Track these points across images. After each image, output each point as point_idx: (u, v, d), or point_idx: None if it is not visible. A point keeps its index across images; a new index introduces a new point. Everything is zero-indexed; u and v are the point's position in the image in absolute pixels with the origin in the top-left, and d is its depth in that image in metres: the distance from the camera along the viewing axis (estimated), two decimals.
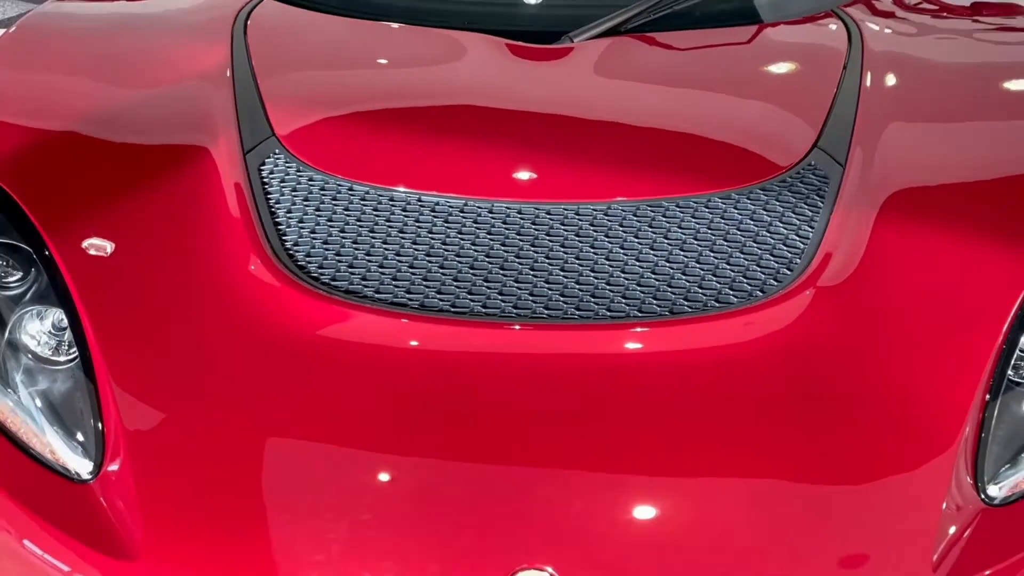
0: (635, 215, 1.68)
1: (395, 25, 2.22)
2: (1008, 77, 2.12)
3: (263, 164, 1.77)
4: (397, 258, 1.61)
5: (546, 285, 1.57)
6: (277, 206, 1.70)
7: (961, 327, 1.51)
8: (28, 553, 1.40)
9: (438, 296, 1.55)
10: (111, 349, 1.50)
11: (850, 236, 1.63)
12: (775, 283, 1.57)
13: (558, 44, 2.12)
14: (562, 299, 1.54)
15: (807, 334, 1.51)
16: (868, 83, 1.97)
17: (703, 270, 1.59)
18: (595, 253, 1.61)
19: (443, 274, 1.58)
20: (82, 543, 1.37)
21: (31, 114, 1.90)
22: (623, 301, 1.54)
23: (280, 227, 1.66)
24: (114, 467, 1.41)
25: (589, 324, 1.51)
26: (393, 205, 1.70)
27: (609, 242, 1.63)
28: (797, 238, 1.64)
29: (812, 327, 1.52)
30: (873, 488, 1.37)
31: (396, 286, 1.56)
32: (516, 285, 1.57)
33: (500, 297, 1.55)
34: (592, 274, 1.58)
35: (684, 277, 1.58)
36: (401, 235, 1.64)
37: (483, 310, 1.53)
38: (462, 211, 1.68)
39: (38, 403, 1.50)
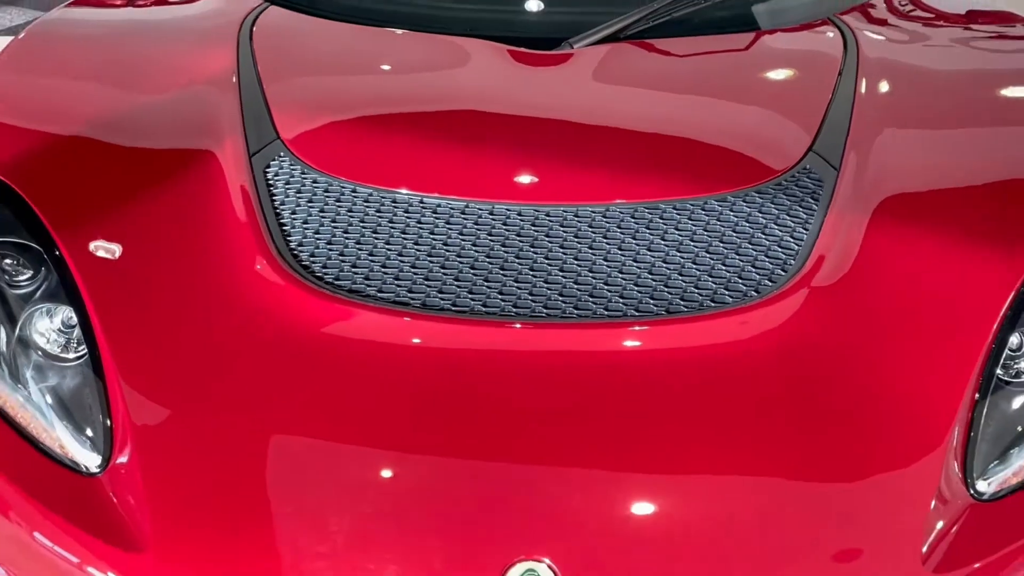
0: (633, 217, 1.71)
1: (398, 31, 2.25)
2: (1001, 84, 2.15)
3: (268, 166, 1.81)
4: (399, 258, 1.64)
5: (545, 285, 1.60)
6: (282, 207, 1.73)
7: (952, 327, 1.55)
8: (38, 545, 1.43)
9: (439, 295, 1.58)
10: (120, 346, 1.53)
11: (843, 238, 1.67)
12: (770, 284, 1.60)
13: (558, 50, 2.15)
14: (561, 298, 1.58)
15: (801, 334, 1.54)
16: (863, 89, 2.00)
17: (699, 271, 1.62)
18: (593, 254, 1.65)
19: (444, 274, 1.61)
20: (91, 535, 1.40)
21: (40, 118, 1.93)
22: (620, 301, 1.57)
23: (285, 228, 1.70)
24: (122, 461, 1.44)
25: (587, 323, 1.54)
26: (396, 207, 1.73)
27: (607, 243, 1.66)
28: (792, 240, 1.68)
29: (806, 327, 1.55)
30: (864, 483, 1.40)
31: (398, 285, 1.60)
32: (516, 285, 1.60)
33: (500, 296, 1.58)
34: (590, 274, 1.62)
35: (680, 277, 1.61)
36: (403, 236, 1.68)
37: (483, 309, 1.56)
38: (463, 213, 1.72)
39: (48, 399, 1.53)
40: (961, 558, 1.37)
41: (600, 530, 1.34)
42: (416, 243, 1.67)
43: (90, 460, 1.47)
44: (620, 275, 1.61)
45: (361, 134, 1.94)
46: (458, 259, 1.64)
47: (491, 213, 1.72)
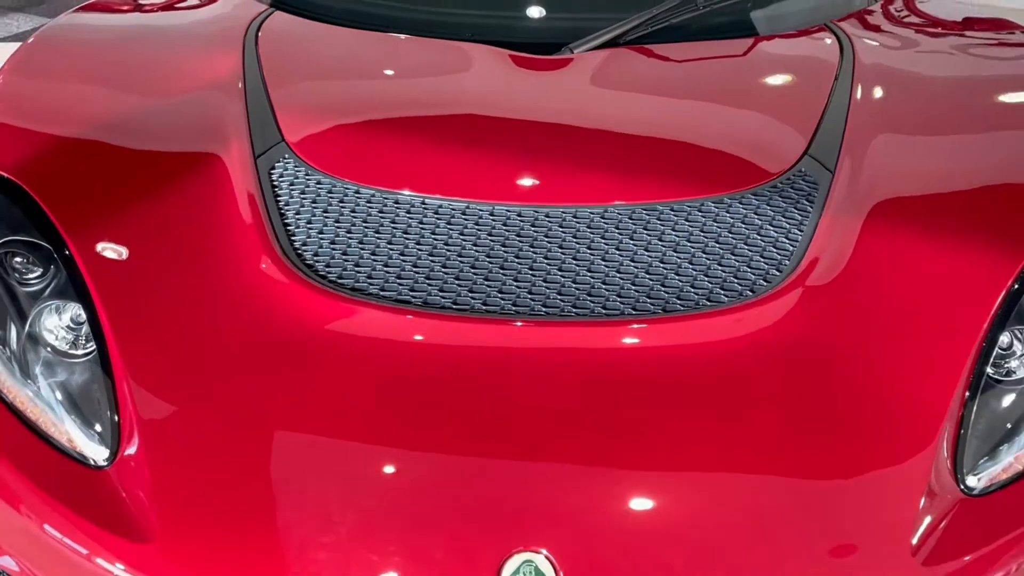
0: (631, 218, 1.74)
1: (401, 36, 2.29)
2: (995, 90, 2.18)
3: (273, 168, 1.84)
4: (401, 258, 1.67)
5: (544, 284, 1.63)
6: (287, 208, 1.77)
7: (943, 327, 1.58)
8: (48, 536, 1.46)
9: (440, 294, 1.61)
10: (127, 343, 1.56)
11: (838, 240, 1.70)
12: (765, 283, 1.63)
13: (558, 55, 2.18)
14: (559, 297, 1.61)
15: (795, 332, 1.57)
16: (858, 95, 2.03)
17: (695, 271, 1.65)
18: (592, 254, 1.68)
19: (445, 273, 1.65)
20: (98, 527, 1.43)
21: (50, 120, 1.96)
22: (618, 300, 1.61)
23: (289, 228, 1.73)
24: (130, 454, 1.47)
25: (585, 321, 1.57)
26: (398, 207, 1.77)
27: (605, 243, 1.70)
28: (787, 241, 1.71)
29: (800, 326, 1.58)
30: (856, 478, 1.43)
31: (400, 284, 1.63)
32: (515, 284, 1.63)
33: (500, 295, 1.61)
34: (588, 274, 1.65)
35: (677, 277, 1.64)
36: (405, 236, 1.71)
37: (483, 307, 1.59)
38: (464, 213, 1.75)
39: (57, 394, 1.56)
40: (951, 552, 1.40)
41: (597, 522, 1.37)
42: (418, 243, 1.70)
43: (98, 454, 1.50)
44: (618, 275, 1.64)
45: (364, 136, 1.97)
46: (459, 258, 1.67)
47: (491, 214, 1.75)
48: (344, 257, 1.68)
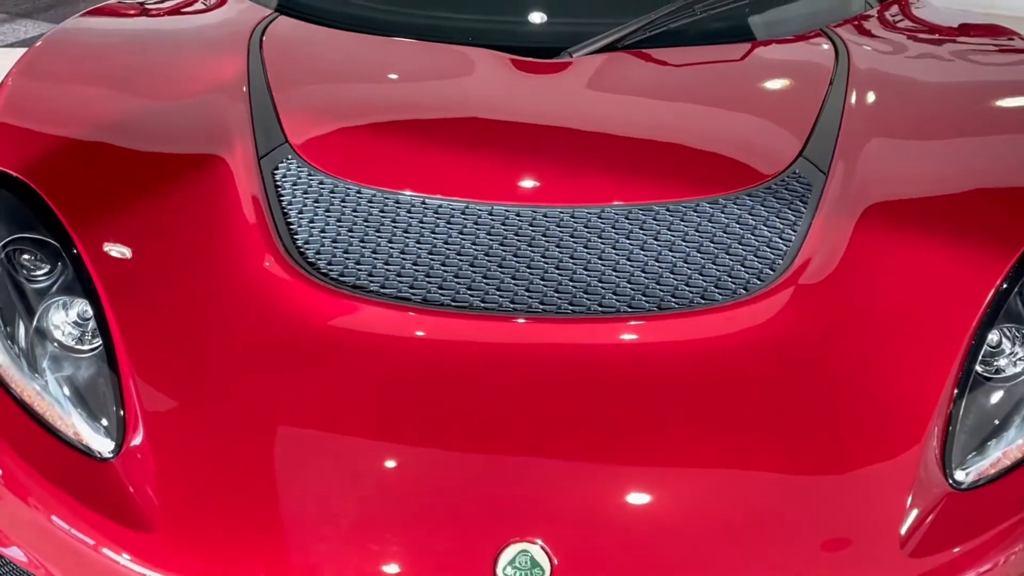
0: (627, 218, 1.77)
1: (403, 40, 2.32)
2: (988, 96, 2.21)
3: (276, 168, 1.88)
4: (402, 256, 1.71)
5: (542, 282, 1.66)
6: (289, 207, 1.80)
7: (933, 325, 1.60)
8: (53, 526, 1.49)
9: (440, 291, 1.65)
10: (133, 339, 1.59)
11: (830, 240, 1.72)
12: (758, 282, 1.66)
13: (558, 59, 2.21)
14: (556, 295, 1.64)
15: (787, 330, 1.60)
16: (853, 99, 2.06)
17: (690, 270, 1.68)
18: (588, 253, 1.71)
19: (445, 271, 1.68)
20: (103, 517, 1.46)
21: (57, 121, 1.99)
22: (614, 297, 1.64)
23: (292, 227, 1.76)
24: (134, 447, 1.51)
25: (581, 318, 1.61)
26: (399, 207, 1.80)
27: (602, 243, 1.73)
28: (780, 241, 1.74)
29: (792, 324, 1.61)
30: (845, 472, 1.46)
31: (400, 282, 1.66)
32: (513, 282, 1.66)
33: (498, 293, 1.64)
34: (585, 272, 1.68)
35: (672, 276, 1.67)
36: (406, 235, 1.74)
37: (482, 305, 1.62)
38: (463, 213, 1.78)
39: (64, 388, 1.60)
40: (938, 544, 1.43)
41: (590, 514, 1.41)
42: (418, 242, 1.73)
43: (104, 446, 1.53)
44: (614, 273, 1.68)
45: (366, 138, 2.01)
46: (458, 257, 1.70)
47: (490, 214, 1.78)
48: (345, 255, 1.71)
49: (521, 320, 1.60)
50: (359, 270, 1.68)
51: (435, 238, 1.74)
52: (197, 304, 1.65)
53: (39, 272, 1.70)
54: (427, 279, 1.67)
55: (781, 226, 1.76)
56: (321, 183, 1.85)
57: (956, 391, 1.54)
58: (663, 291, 1.65)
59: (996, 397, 1.58)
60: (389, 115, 2.08)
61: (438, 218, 1.78)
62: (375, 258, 1.71)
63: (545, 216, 1.78)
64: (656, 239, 1.74)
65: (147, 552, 1.43)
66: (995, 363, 1.61)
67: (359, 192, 1.83)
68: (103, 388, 1.58)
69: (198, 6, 2.59)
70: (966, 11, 2.70)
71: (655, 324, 1.60)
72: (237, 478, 1.46)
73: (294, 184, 1.85)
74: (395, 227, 1.76)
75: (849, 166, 1.87)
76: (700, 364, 1.56)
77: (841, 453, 1.47)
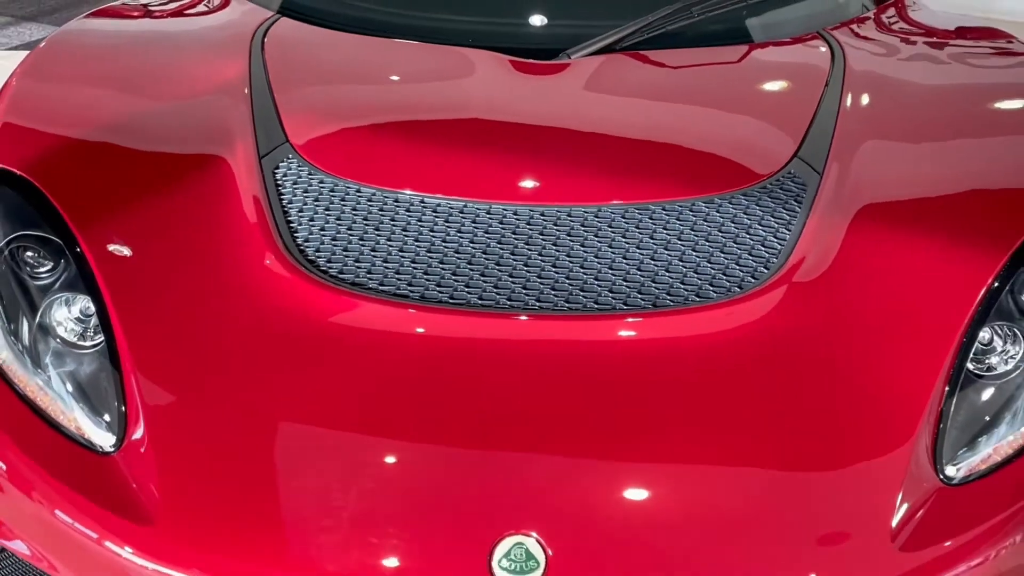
0: (623, 217, 1.79)
1: (403, 42, 2.34)
2: (981, 98, 2.22)
3: (277, 168, 1.90)
4: (400, 254, 1.73)
5: (538, 280, 1.68)
6: (289, 206, 1.82)
7: (925, 323, 1.62)
8: (55, 518, 1.52)
9: (437, 288, 1.67)
10: (134, 334, 1.62)
11: (824, 239, 1.74)
12: (752, 280, 1.68)
13: (556, 60, 2.23)
14: (553, 292, 1.66)
15: (781, 327, 1.62)
16: (848, 101, 2.08)
17: (685, 268, 1.70)
18: (585, 251, 1.73)
19: (443, 268, 1.70)
20: (104, 509, 1.48)
21: (60, 122, 2.01)
22: (610, 295, 1.66)
23: (292, 225, 1.78)
24: (135, 441, 1.53)
25: (577, 315, 1.63)
26: (397, 206, 1.82)
27: (598, 241, 1.75)
28: (775, 240, 1.75)
29: (786, 321, 1.63)
30: (837, 466, 1.48)
31: (399, 279, 1.68)
32: (510, 279, 1.68)
33: (495, 290, 1.66)
34: (581, 270, 1.70)
35: (667, 274, 1.69)
36: (404, 233, 1.76)
37: (479, 302, 1.64)
38: (462, 212, 1.80)
39: (66, 383, 1.62)
40: (929, 538, 1.44)
41: (584, 507, 1.42)
42: (416, 240, 1.75)
43: (105, 440, 1.55)
44: (610, 271, 1.70)
45: (365, 137, 2.03)
46: (456, 255, 1.72)
47: (488, 212, 1.80)
48: (345, 253, 1.73)
49: (518, 317, 1.62)
50: (358, 267, 1.71)
51: (433, 236, 1.76)
52: (198, 301, 1.67)
53: (42, 269, 1.72)
54: (425, 276, 1.69)
55: (776, 225, 1.78)
56: (321, 182, 1.87)
57: (947, 388, 1.56)
58: (658, 289, 1.67)
59: (987, 394, 1.60)
60: (389, 115, 2.10)
61: (436, 216, 1.80)
62: (374, 255, 1.73)
63: (542, 215, 1.80)
64: (652, 237, 1.76)
65: (147, 544, 1.45)
66: (987, 361, 1.63)
67: (359, 191, 1.85)
68: (105, 383, 1.60)
69: (201, 8, 2.61)
70: (964, 15, 2.72)
71: (650, 321, 1.62)
72: (237, 472, 1.48)
73: (294, 183, 1.87)
74: (394, 225, 1.78)
75: (843, 167, 1.89)
76: (695, 361, 1.58)
77: (833, 449, 1.49)
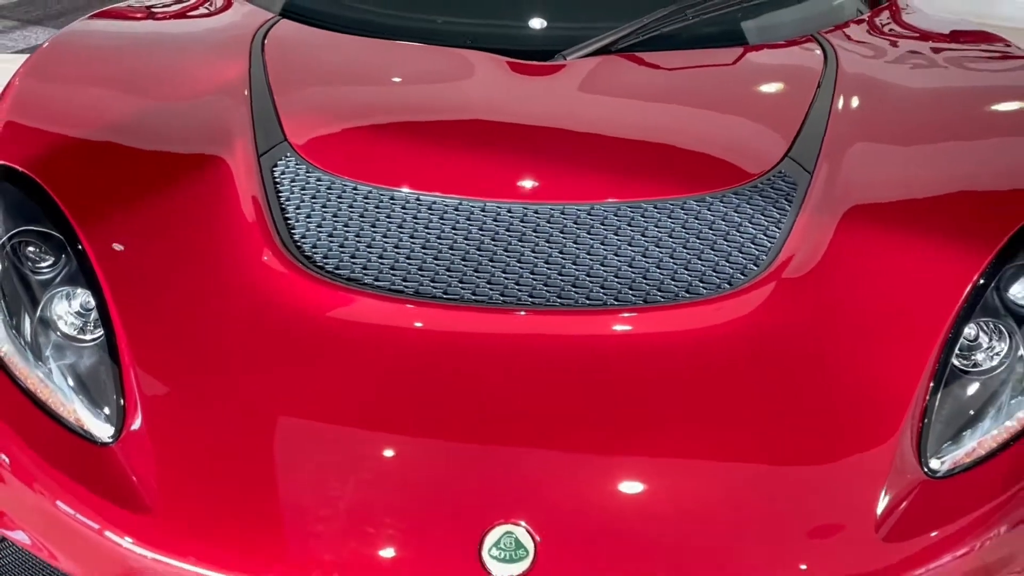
0: (616, 215, 1.82)
1: (401, 43, 2.37)
2: (972, 101, 2.24)
3: (275, 166, 1.93)
4: (395, 250, 1.75)
5: (531, 276, 1.71)
6: (287, 203, 1.85)
7: (911, 319, 1.65)
8: (54, 509, 1.54)
9: (432, 284, 1.69)
10: (133, 328, 1.65)
11: (814, 237, 1.77)
12: (742, 277, 1.71)
13: (552, 61, 2.26)
14: (545, 288, 1.69)
15: (769, 323, 1.64)
16: (839, 103, 2.10)
17: (676, 264, 1.73)
18: (577, 248, 1.76)
19: (437, 265, 1.73)
20: (103, 499, 1.51)
21: (62, 121, 2.04)
22: (601, 291, 1.68)
23: (289, 222, 1.81)
24: (133, 432, 1.56)
25: (569, 310, 1.65)
26: (393, 203, 1.85)
27: (590, 238, 1.77)
28: (765, 237, 1.78)
29: (774, 317, 1.65)
30: (823, 459, 1.51)
31: (394, 275, 1.71)
32: (503, 275, 1.71)
33: (488, 286, 1.69)
34: (574, 267, 1.72)
35: (658, 270, 1.72)
36: (400, 230, 1.79)
37: (473, 297, 1.67)
38: (456, 209, 1.83)
39: (66, 376, 1.65)
40: (912, 529, 1.47)
41: (572, 497, 1.45)
42: (411, 236, 1.78)
43: (104, 431, 1.58)
44: (602, 267, 1.72)
45: (363, 136, 2.06)
46: (450, 251, 1.75)
47: (482, 210, 1.83)
48: (341, 249, 1.76)
49: (510, 312, 1.65)
50: (354, 263, 1.73)
51: (428, 233, 1.79)
52: (196, 295, 1.70)
53: (43, 264, 1.75)
54: (420, 272, 1.72)
55: (766, 223, 1.81)
56: (319, 180, 1.90)
57: (932, 383, 1.59)
58: (649, 285, 1.69)
59: (972, 389, 1.62)
60: (386, 115, 2.13)
61: (431, 214, 1.83)
62: (370, 252, 1.75)
63: (536, 212, 1.83)
64: (643, 235, 1.78)
65: (145, 533, 1.48)
66: (973, 357, 1.66)
67: (355, 189, 1.88)
68: (104, 376, 1.63)
69: (203, 10, 2.64)
70: (958, 19, 2.74)
71: (640, 317, 1.64)
72: (233, 463, 1.51)
73: (292, 181, 1.90)
74: (390, 222, 1.81)
75: (834, 167, 1.92)
76: (684, 356, 1.60)
77: (818, 441, 1.52)
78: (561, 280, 1.70)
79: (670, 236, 1.78)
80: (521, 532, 1.41)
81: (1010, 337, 1.66)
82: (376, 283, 1.70)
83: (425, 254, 1.75)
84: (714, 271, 1.72)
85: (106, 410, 1.60)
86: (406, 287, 1.69)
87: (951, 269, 1.70)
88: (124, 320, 1.65)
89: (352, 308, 1.67)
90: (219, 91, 2.14)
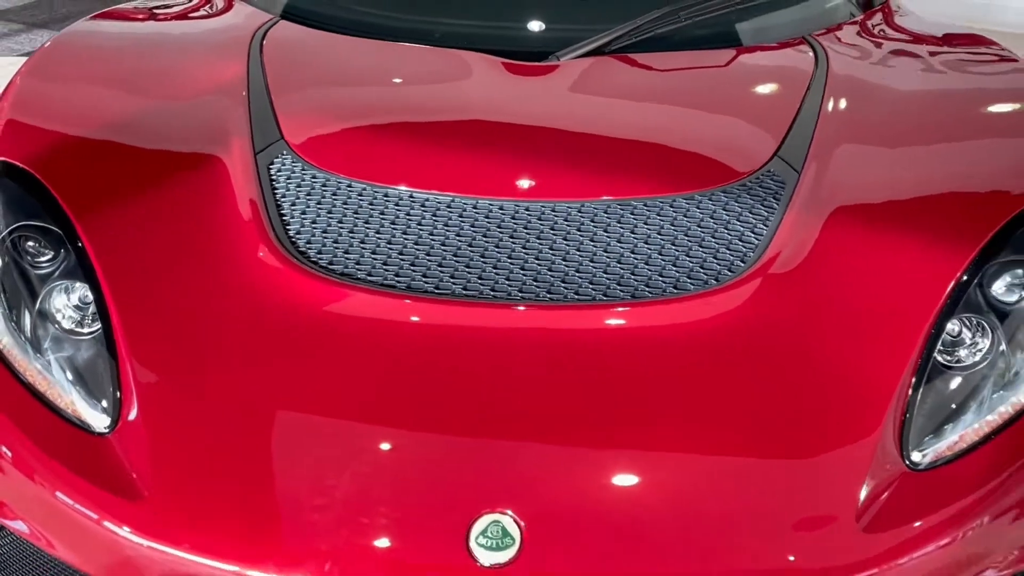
0: (605, 212, 1.85)
1: (397, 44, 2.40)
2: (960, 103, 2.27)
3: (272, 164, 1.96)
4: (388, 246, 1.78)
5: (521, 271, 1.74)
6: (283, 200, 1.88)
7: (895, 315, 1.68)
8: (52, 497, 1.58)
9: (423, 279, 1.72)
10: (130, 322, 1.68)
11: (801, 234, 1.79)
12: (729, 273, 1.73)
13: (546, 62, 2.29)
14: (535, 284, 1.72)
15: (755, 318, 1.67)
16: (828, 104, 2.13)
17: (664, 261, 1.76)
18: (567, 244, 1.79)
19: (429, 260, 1.76)
20: (99, 488, 1.54)
21: (63, 119, 2.08)
22: (590, 287, 1.71)
23: (285, 218, 1.84)
24: (129, 422, 1.59)
25: (558, 305, 1.68)
26: (387, 200, 1.88)
27: (580, 235, 1.80)
28: (752, 235, 1.81)
29: (759, 312, 1.68)
30: (806, 450, 1.53)
31: (386, 270, 1.74)
32: (494, 271, 1.74)
33: (479, 281, 1.72)
34: (563, 263, 1.75)
35: (647, 267, 1.75)
36: (393, 226, 1.82)
37: (463, 292, 1.70)
38: (449, 206, 1.86)
39: (64, 368, 1.68)
40: (893, 520, 1.49)
41: (558, 487, 1.48)
42: (404, 233, 1.81)
43: (100, 422, 1.61)
44: (591, 264, 1.75)
45: (358, 135, 2.09)
46: (442, 247, 1.78)
47: (475, 207, 1.86)
48: (335, 245, 1.79)
49: (501, 307, 1.68)
50: (347, 259, 1.76)
51: (421, 229, 1.82)
52: (192, 290, 1.73)
53: (43, 258, 1.78)
54: (412, 268, 1.74)
55: (754, 221, 1.84)
56: (314, 177, 1.93)
57: (915, 378, 1.61)
58: (637, 280, 1.72)
59: (954, 384, 1.64)
60: (381, 114, 2.16)
61: (424, 211, 1.85)
62: (363, 247, 1.78)
63: (527, 210, 1.85)
64: (633, 232, 1.81)
65: (139, 521, 1.51)
66: (956, 353, 1.68)
67: (350, 186, 1.91)
68: (101, 368, 1.66)
69: (204, 12, 2.67)
70: (950, 23, 2.77)
71: (628, 311, 1.67)
72: (226, 452, 1.54)
73: (288, 178, 1.93)
74: (383, 219, 1.84)
75: (822, 166, 1.94)
76: (671, 350, 1.63)
77: (801, 434, 1.54)
78: (551, 276, 1.73)
79: (659, 233, 1.81)
80: (508, 521, 1.44)
81: (992, 333, 1.68)
82: (369, 278, 1.73)
83: (418, 250, 1.78)
84: (702, 267, 1.75)
85: (103, 402, 1.63)
86: (398, 282, 1.72)
87: (935, 266, 1.73)
88: (121, 314, 1.68)
89: (345, 302, 1.70)
90: (218, 91, 2.17)
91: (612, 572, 1.43)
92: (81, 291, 1.75)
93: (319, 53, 2.41)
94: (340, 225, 1.83)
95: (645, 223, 1.83)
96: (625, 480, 1.50)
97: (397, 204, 1.87)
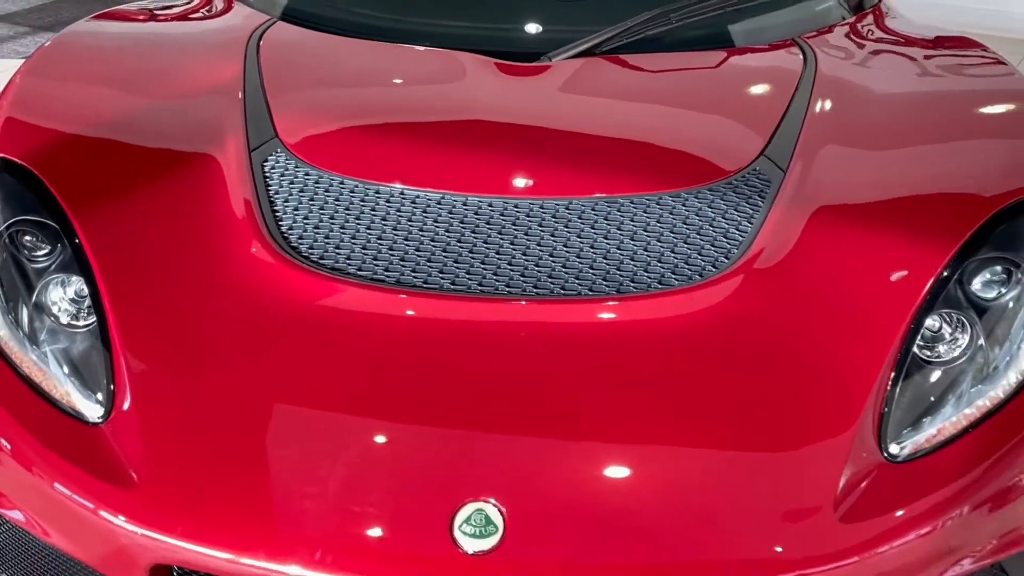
0: (592, 209, 1.88)
1: (391, 44, 2.43)
2: (944, 105, 2.29)
3: (266, 161, 1.99)
4: (378, 241, 1.82)
5: (508, 267, 1.77)
6: (276, 196, 1.91)
7: (875, 310, 1.71)
8: (47, 486, 1.61)
9: (413, 274, 1.76)
10: (125, 315, 1.71)
11: (785, 232, 1.82)
12: (713, 269, 1.76)
13: (538, 63, 2.32)
14: (522, 279, 1.75)
15: (736, 313, 1.70)
16: (816, 106, 2.16)
17: (649, 257, 1.79)
18: (554, 240, 1.82)
19: (418, 255, 1.79)
20: (93, 477, 1.58)
21: (61, 117, 2.11)
22: (576, 282, 1.74)
23: (277, 214, 1.88)
24: (123, 413, 1.62)
25: (544, 299, 1.71)
26: (378, 197, 1.91)
27: (567, 232, 1.83)
28: (737, 232, 1.84)
29: (742, 307, 1.71)
30: (785, 442, 1.56)
31: (376, 265, 1.77)
32: (482, 266, 1.77)
33: (467, 276, 1.75)
34: (550, 258, 1.78)
35: (632, 262, 1.78)
36: (383, 222, 1.86)
37: (452, 287, 1.73)
38: (439, 203, 1.89)
39: (59, 359, 1.71)
40: (870, 511, 1.52)
41: (540, 477, 1.51)
42: (394, 229, 1.84)
43: (94, 412, 1.64)
44: (577, 259, 1.78)
45: (350, 133, 2.13)
46: (431, 243, 1.81)
47: (464, 204, 1.89)
48: (326, 240, 1.82)
49: (487, 301, 1.71)
50: (338, 254, 1.80)
51: (411, 225, 1.85)
52: (186, 284, 1.77)
53: (40, 252, 1.81)
54: (401, 263, 1.78)
55: (739, 218, 1.86)
56: (307, 174, 1.97)
57: (894, 372, 1.64)
58: (623, 276, 1.75)
59: (933, 378, 1.67)
60: (373, 113, 2.20)
61: (415, 207, 1.89)
62: (353, 243, 1.82)
63: (516, 207, 1.89)
64: (619, 228, 1.84)
65: (131, 509, 1.54)
66: (936, 348, 1.71)
67: (342, 183, 1.94)
68: (96, 361, 1.70)
69: (202, 12, 2.71)
70: (940, 27, 2.79)
71: (613, 306, 1.70)
72: (216, 442, 1.57)
73: (281, 176, 1.96)
74: (374, 215, 1.87)
75: (807, 165, 1.97)
76: (654, 343, 1.66)
77: (781, 426, 1.57)
78: (538, 271, 1.76)
79: (645, 230, 1.84)
80: (491, 509, 1.47)
81: (971, 328, 1.71)
82: (359, 273, 1.76)
83: (407, 245, 1.81)
84: (686, 263, 1.78)
85: (97, 393, 1.66)
86: (387, 276, 1.75)
87: (915, 263, 1.76)
88: (116, 307, 1.72)
89: (335, 297, 1.74)
90: (214, 90, 2.21)
91: (594, 560, 1.46)
92: (77, 285, 1.78)
93: (314, 53, 2.44)
94: (332, 221, 1.86)
95: (632, 220, 1.86)
96: (607, 470, 1.54)
97: (388, 201, 1.90)
